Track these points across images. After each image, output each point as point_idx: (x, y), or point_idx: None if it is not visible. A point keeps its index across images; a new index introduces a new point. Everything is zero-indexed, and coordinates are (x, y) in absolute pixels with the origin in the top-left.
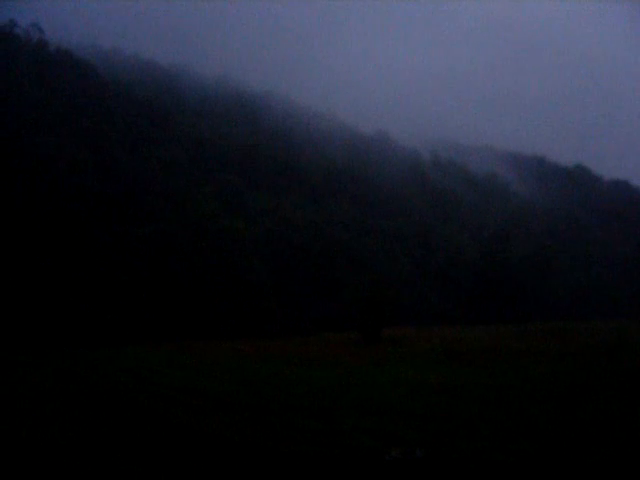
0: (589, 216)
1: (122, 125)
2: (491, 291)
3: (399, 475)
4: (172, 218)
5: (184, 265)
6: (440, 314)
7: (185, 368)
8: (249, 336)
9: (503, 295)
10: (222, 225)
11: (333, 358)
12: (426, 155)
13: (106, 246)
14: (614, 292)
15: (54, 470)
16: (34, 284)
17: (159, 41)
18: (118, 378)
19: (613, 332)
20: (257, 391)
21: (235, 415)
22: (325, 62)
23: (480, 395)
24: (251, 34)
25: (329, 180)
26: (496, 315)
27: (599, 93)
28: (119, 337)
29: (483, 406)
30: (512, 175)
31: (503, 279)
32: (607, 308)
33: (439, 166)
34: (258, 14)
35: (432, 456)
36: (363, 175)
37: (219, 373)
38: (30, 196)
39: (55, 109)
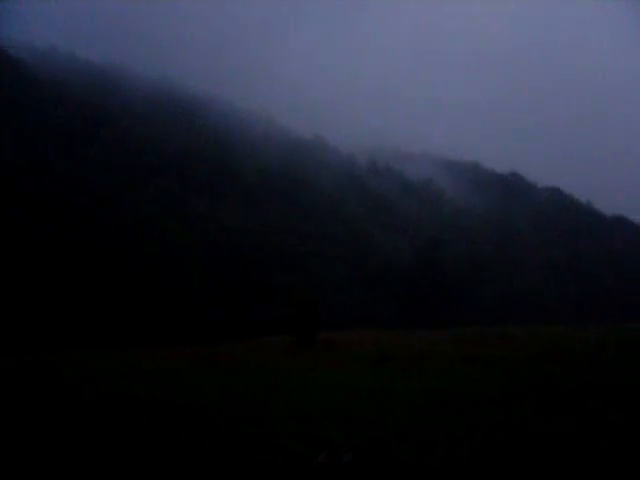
0: (523, 222)
1: (57, 125)
2: (425, 296)
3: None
4: (108, 221)
5: (119, 270)
6: (375, 318)
7: (110, 374)
8: (184, 342)
9: (437, 300)
10: (159, 229)
11: (266, 363)
12: (363, 161)
13: (40, 248)
14: (547, 297)
15: None
16: None
17: (97, 41)
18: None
19: (547, 337)
20: (183, 397)
21: (161, 421)
22: (264, 66)
23: (412, 400)
24: (192, 36)
25: (267, 184)
26: (431, 320)
27: (532, 99)
28: (46, 343)
29: (414, 410)
30: (448, 181)
31: (437, 284)
32: (541, 313)
33: (375, 172)
34: (198, 16)
35: (359, 461)
36: (300, 179)
37: (146, 380)
38: None
39: None
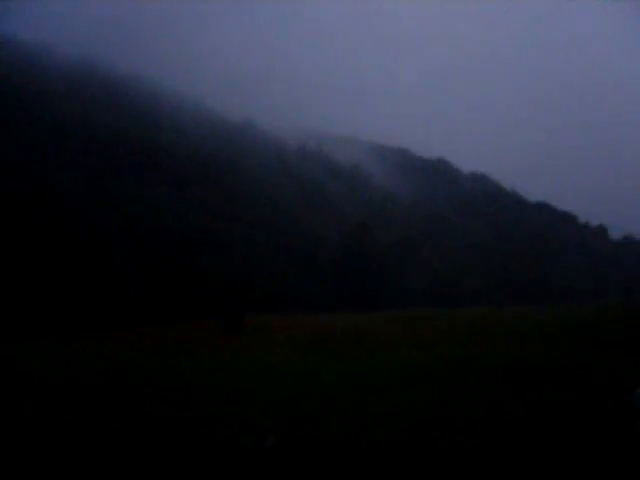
0: (449, 207)
1: None
2: (356, 280)
3: (250, 462)
4: (31, 204)
5: (42, 253)
6: (306, 302)
7: (35, 359)
8: (110, 326)
9: (368, 283)
10: (85, 211)
11: (193, 347)
12: (292, 144)
13: None
14: (475, 281)
15: None
16: None
17: (18, 15)
18: None
19: (471, 319)
20: (114, 380)
21: (82, 404)
22: (195, 47)
23: (340, 382)
24: (119, 15)
25: (195, 167)
26: (361, 303)
27: (461, 88)
28: None
29: (341, 393)
30: (376, 166)
31: (366, 268)
32: (467, 296)
33: (305, 156)
34: None
35: (282, 443)
36: (230, 163)
37: (75, 364)
38: None
39: None
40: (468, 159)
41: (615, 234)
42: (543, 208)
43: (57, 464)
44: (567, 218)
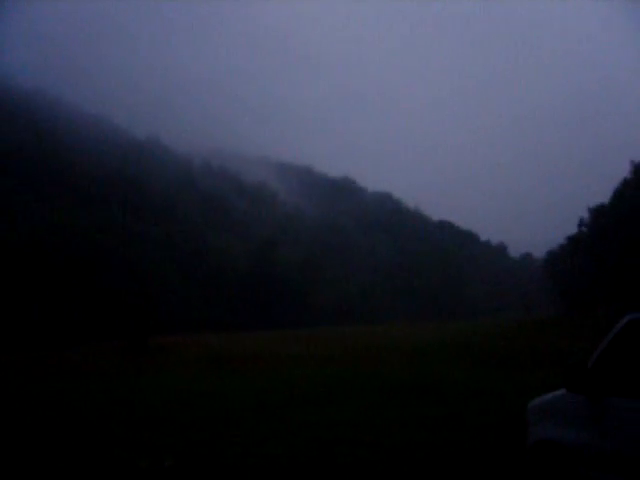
0: (354, 225)
1: None
2: (260, 297)
3: None
4: None
5: None
6: (210, 321)
7: None
8: (6, 348)
9: (272, 301)
10: None
11: (94, 369)
12: (198, 162)
13: None
14: (378, 298)
15: None
16: None
17: None
18: None
19: (378, 335)
20: (7, 404)
21: None
22: (95, 60)
23: (237, 401)
24: (20, 25)
25: (98, 184)
26: (266, 322)
27: (362, 102)
28: None
29: (239, 412)
30: (281, 184)
31: (272, 286)
32: (373, 312)
33: (210, 173)
34: (27, 7)
35: (180, 464)
36: (134, 180)
37: None
38: None
39: None
40: (372, 177)
41: (514, 252)
42: (445, 226)
43: None
44: (469, 236)
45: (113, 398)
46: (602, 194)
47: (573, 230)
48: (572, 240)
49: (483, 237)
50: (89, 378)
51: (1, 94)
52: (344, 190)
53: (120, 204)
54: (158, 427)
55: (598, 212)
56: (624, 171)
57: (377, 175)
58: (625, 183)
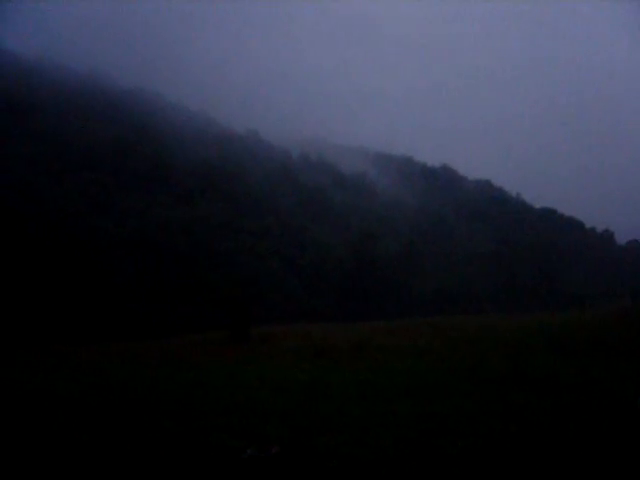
0: (454, 214)
1: None
2: (360, 288)
3: (254, 472)
4: (34, 216)
5: (46, 266)
6: (310, 312)
7: (41, 372)
8: (114, 339)
9: (372, 292)
10: (87, 224)
11: (198, 358)
12: (296, 154)
13: None
14: (478, 288)
15: None
16: None
17: (20, 33)
18: None
19: (476, 328)
20: (113, 393)
21: (84, 417)
22: (196, 58)
23: (341, 392)
24: (119, 29)
25: (200, 179)
26: (366, 312)
27: (462, 95)
28: None
29: (344, 402)
30: (380, 175)
31: (371, 276)
32: (471, 304)
33: (309, 165)
34: (125, 9)
35: (286, 452)
36: (233, 174)
37: (77, 376)
38: None
39: None
40: (472, 166)
41: (621, 239)
42: (549, 214)
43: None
44: (573, 224)
45: (217, 387)
46: None
47: None
48: None
49: (588, 224)
50: (195, 367)
51: (103, 94)
52: (443, 179)
53: (222, 197)
54: (262, 415)
55: None
56: None
57: (477, 163)
58: None
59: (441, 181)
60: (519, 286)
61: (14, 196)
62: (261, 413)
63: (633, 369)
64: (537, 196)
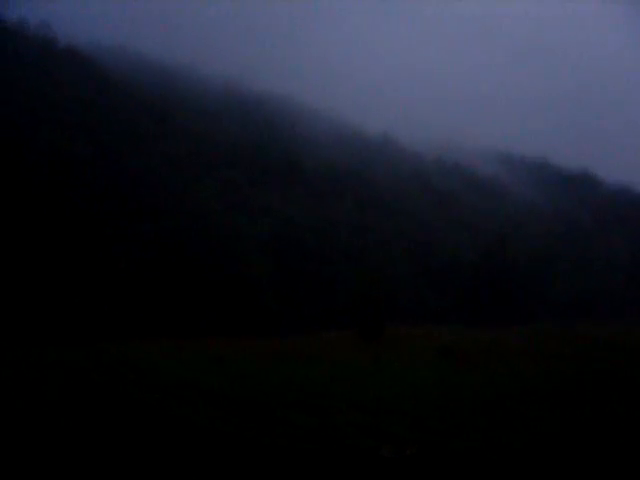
0: (591, 220)
1: (125, 121)
2: (490, 293)
3: (390, 472)
4: (174, 214)
5: (186, 261)
6: (438, 314)
7: (185, 364)
8: (248, 334)
9: (502, 297)
10: (224, 222)
11: (331, 356)
12: (429, 157)
13: (109, 242)
14: (615, 296)
15: None
16: (35, 280)
17: (162, 39)
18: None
19: (614, 334)
20: (252, 386)
21: (229, 410)
22: (327, 61)
23: (474, 394)
24: (252, 33)
25: (332, 180)
26: (494, 316)
27: (601, 96)
28: (118, 332)
29: (478, 404)
30: (514, 178)
31: (502, 281)
32: (608, 312)
33: (442, 168)
34: (257, 13)
35: (423, 454)
36: (366, 176)
37: (216, 369)
38: (32, 190)
39: (59, 104)
40: (612, 169)
41: None
42: None
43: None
44: None
45: (352, 384)
46: None
47: None
48: None
49: None
50: (328, 364)
51: (244, 97)
52: (580, 183)
53: (353, 199)
54: (396, 415)
55: None
56: None
57: (616, 167)
58: None
59: (577, 184)
60: None
61: (157, 195)
62: (393, 413)
63: None
64: None
